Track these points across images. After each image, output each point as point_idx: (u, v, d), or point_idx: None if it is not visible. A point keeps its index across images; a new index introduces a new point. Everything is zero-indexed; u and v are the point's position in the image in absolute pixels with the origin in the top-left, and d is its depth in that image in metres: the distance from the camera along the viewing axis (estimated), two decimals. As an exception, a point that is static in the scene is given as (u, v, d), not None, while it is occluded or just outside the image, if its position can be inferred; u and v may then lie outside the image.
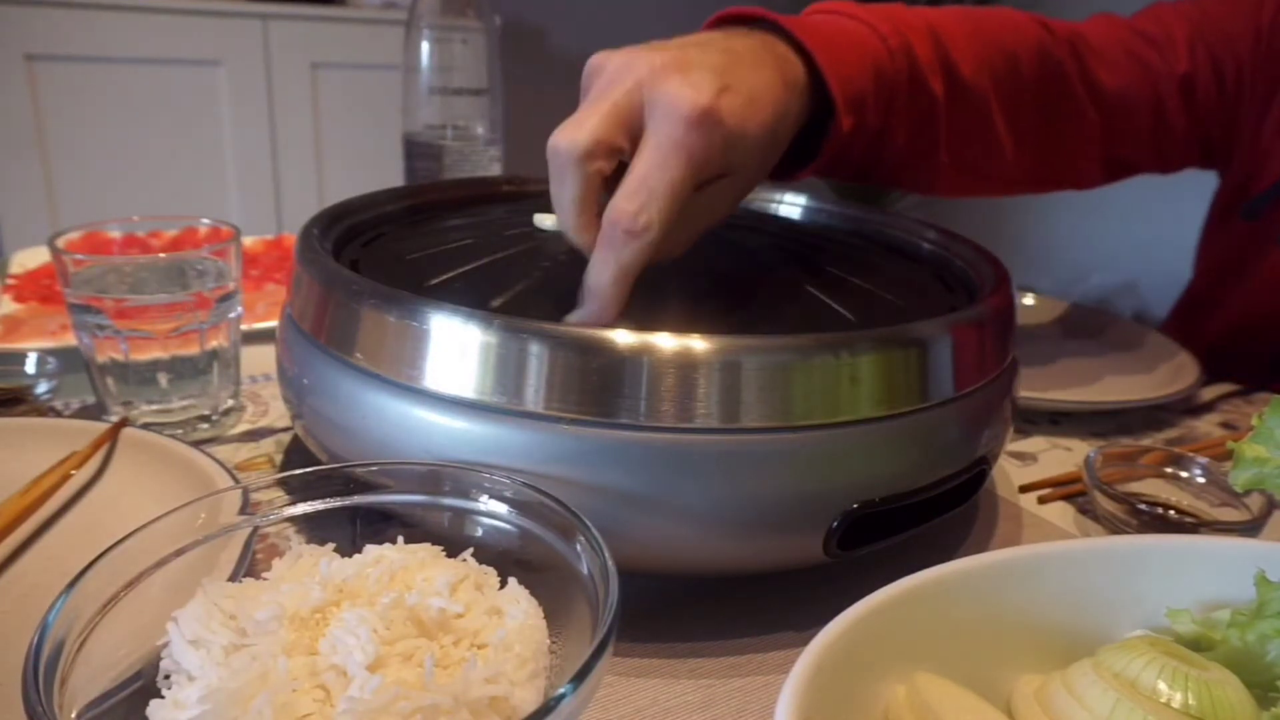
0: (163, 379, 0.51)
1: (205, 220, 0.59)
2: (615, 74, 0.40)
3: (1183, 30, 0.73)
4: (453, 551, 0.31)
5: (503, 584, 0.30)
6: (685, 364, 0.33)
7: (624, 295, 0.38)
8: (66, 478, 0.42)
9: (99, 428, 0.45)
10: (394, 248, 0.49)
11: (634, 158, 0.39)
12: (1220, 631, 0.28)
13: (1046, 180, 0.73)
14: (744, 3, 0.53)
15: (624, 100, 0.39)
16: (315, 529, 0.32)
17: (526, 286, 0.41)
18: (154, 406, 0.52)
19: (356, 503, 0.32)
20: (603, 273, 0.38)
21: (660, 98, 0.39)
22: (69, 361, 0.55)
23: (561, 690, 0.22)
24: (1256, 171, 0.78)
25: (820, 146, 0.52)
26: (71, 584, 0.25)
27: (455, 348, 0.35)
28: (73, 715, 0.23)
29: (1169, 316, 0.91)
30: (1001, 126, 0.63)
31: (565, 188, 0.39)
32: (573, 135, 0.38)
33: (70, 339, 0.55)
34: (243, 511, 0.31)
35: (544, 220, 0.50)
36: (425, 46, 0.75)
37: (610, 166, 0.39)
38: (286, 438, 0.53)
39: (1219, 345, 0.80)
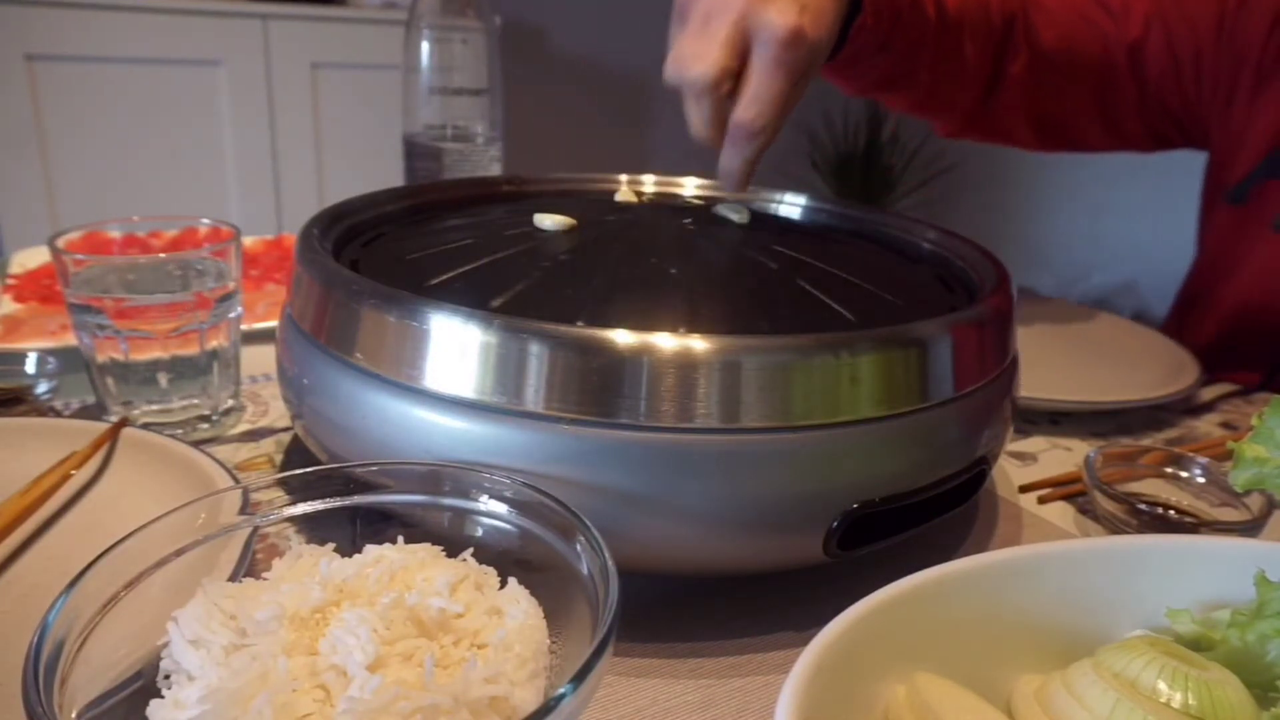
0: (163, 379, 0.51)
1: (205, 220, 0.59)
2: (714, 7, 0.51)
3: (1142, 5, 0.77)
4: (453, 551, 0.31)
5: (503, 584, 0.30)
6: (685, 364, 0.33)
7: (749, 176, 0.54)
8: (66, 478, 0.42)
9: (99, 428, 0.45)
10: (394, 248, 0.49)
11: (745, 75, 0.51)
12: (1220, 631, 0.28)
13: (980, 124, 0.81)
14: None
15: (733, 32, 0.50)
16: (315, 529, 0.32)
17: (526, 286, 0.41)
18: (154, 406, 0.52)
19: (356, 503, 0.32)
20: (733, 162, 0.53)
21: (762, 26, 0.50)
22: (69, 361, 0.55)
23: (561, 690, 0.22)
24: (1233, 156, 0.79)
25: (839, 49, 0.62)
26: (71, 584, 0.25)
27: (455, 348, 0.35)
28: (73, 715, 0.23)
29: (1173, 304, 0.91)
30: (970, 59, 0.73)
31: (701, 109, 0.52)
32: (703, 69, 0.50)
33: (70, 339, 0.55)
34: (243, 511, 0.31)
35: (544, 220, 0.50)
36: (425, 46, 0.75)
37: (731, 87, 0.51)
38: (286, 438, 0.53)
39: (1220, 333, 0.81)
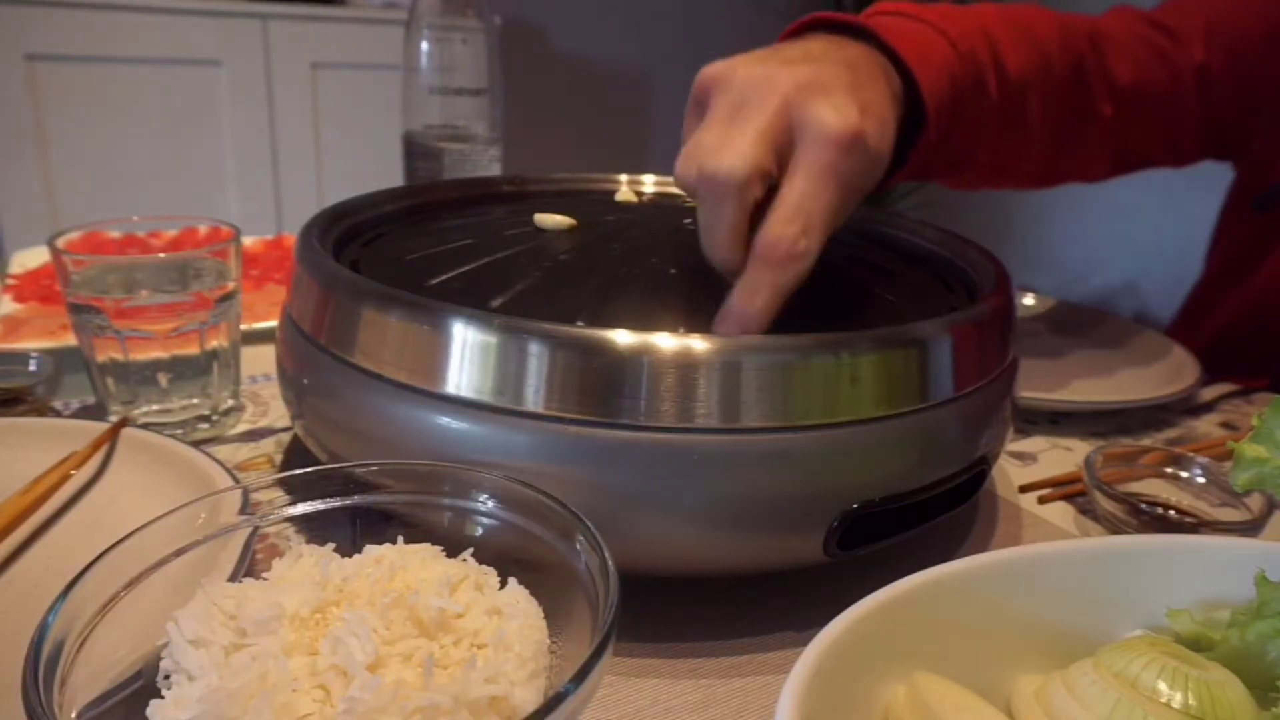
0: (163, 379, 0.51)
1: (205, 220, 0.59)
2: (751, 91, 0.40)
3: (1200, 20, 0.73)
4: (453, 551, 0.31)
5: (503, 584, 0.30)
6: (685, 364, 0.33)
7: (774, 316, 0.38)
8: (66, 478, 0.42)
9: (99, 428, 0.45)
10: (394, 248, 0.49)
11: (785, 180, 0.39)
12: (1220, 631, 0.28)
13: (1057, 174, 0.75)
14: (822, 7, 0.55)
15: (774, 122, 0.39)
16: (315, 529, 0.32)
17: (526, 286, 0.41)
18: (154, 406, 0.52)
19: (356, 503, 0.32)
20: (757, 295, 0.38)
21: (811, 122, 0.38)
22: (69, 361, 0.55)
23: (561, 690, 0.22)
24: (1269, 164, 0.78)
25: (904, 155, 0.54)
26: (71, 584, 0.25)
27: (455, 348, 0.35)
28: (73, 715, 0.23)
29: (1180, 311, 0.91)
30: (1035, 124, 0.65)
31: (723, 214, 0.39)
32: (731, 163, 0.38)
33: (70, 339, 0.55)
34: (243, 511, 0.31)
35: (544, 220, 0.50)
36: (425, 46, 0.75)
37: (763, 191, 0.39)
38: (286, 438, 0.53)
39: (1228, 339, 0.81)
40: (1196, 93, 0.73)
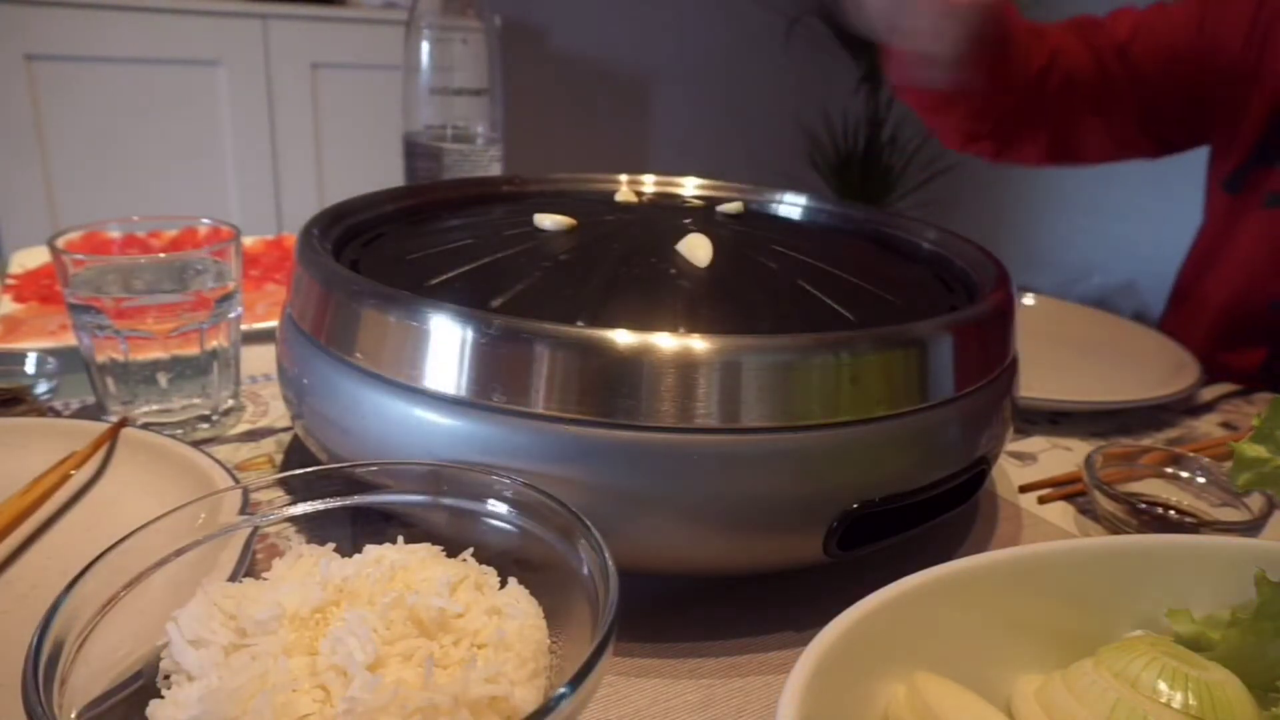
0: (163, 379, 0.51)
1: (205, 220, 0.59)
2: None
3: (1131, 17, 0.84)
4: (453, 551, 0.31)
5: (503, 584, 0.30)
6: (685, 364, 0.33)
7: (953, 42, 0.67)
8: (66, 478, 0.42)
9: (99, 428, 0.45)
10: (394, 248, 0.49)
11: None
12: (1220, 631, 0.28)
13: (999, 139, 0.90)
14: None
15: None
16: (315, 529, 0.32)
17: (526, 286, 0.41)
18: (154, 406, 0.52)
19: (356, 503, 0.32)
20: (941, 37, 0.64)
21: None
22: (69, 361, 0.55)
23: (561, 690, 0.22)
24: (1229, 147, 0.84)
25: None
26: (71, 584, 0.25)
27: (455, 348, 0.35)
28: (73, 715, 0.23)
29: (1170, 295, 0.93)
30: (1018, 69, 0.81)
31: None
32: None
33: (70, 339, 0.55)
34: (243, 511, 0.31)
35: (544, 220, 0.50)
36: (425, 46, 0.75)
37: None
38: (286, 438, 0.53)
39: (1220, 316, 0.84)
40: (1122, 72, 0.83)
